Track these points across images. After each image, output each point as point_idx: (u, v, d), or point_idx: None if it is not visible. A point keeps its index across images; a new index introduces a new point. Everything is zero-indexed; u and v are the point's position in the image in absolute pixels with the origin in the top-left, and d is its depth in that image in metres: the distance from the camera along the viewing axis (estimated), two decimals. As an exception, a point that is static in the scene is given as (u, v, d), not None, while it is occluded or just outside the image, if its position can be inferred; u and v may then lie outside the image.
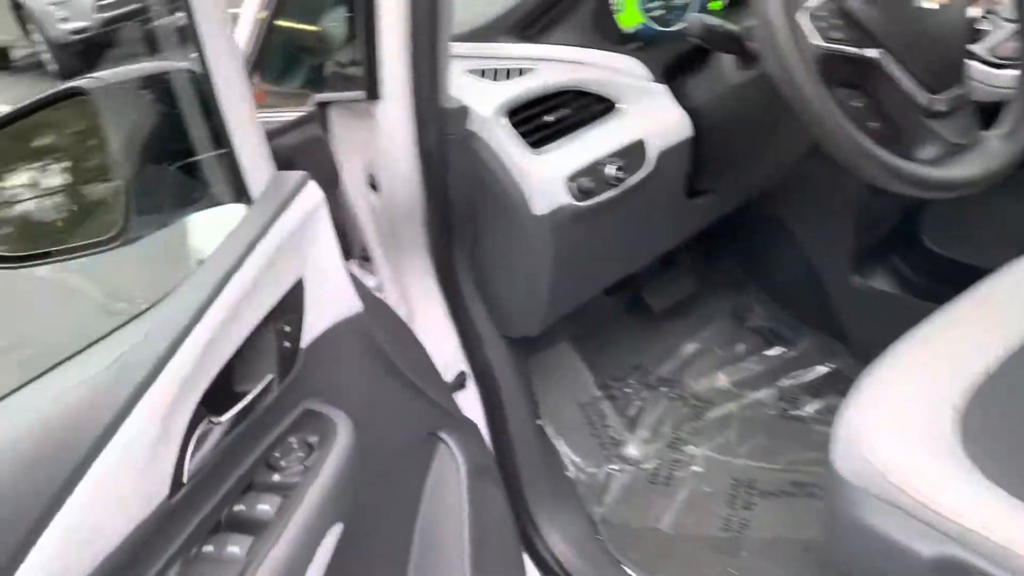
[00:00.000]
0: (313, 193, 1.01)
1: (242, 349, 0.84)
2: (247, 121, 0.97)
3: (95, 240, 1.02)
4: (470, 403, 1.61)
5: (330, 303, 1.03)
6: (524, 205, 1.36)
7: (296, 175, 1.01)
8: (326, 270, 1.02)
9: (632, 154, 1.45)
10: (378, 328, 1.14)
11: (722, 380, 2.08)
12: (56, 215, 1.12)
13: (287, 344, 0.94)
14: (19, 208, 1.18)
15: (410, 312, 1.54)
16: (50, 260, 1.07)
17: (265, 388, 0.91)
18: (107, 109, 1.00)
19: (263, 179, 1.00)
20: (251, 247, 0.89)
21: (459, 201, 1.38)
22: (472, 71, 1.43)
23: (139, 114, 1.05)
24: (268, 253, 0.88)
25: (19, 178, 1.20)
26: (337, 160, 1.46)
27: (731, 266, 2.24)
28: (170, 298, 0.88)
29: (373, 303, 1.20)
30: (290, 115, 1.51)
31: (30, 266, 1.06)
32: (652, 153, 1.47)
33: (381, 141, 1.32)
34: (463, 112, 1.31)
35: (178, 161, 1.04)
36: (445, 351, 1.57)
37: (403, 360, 1.20)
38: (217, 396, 0.82)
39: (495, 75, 1.43)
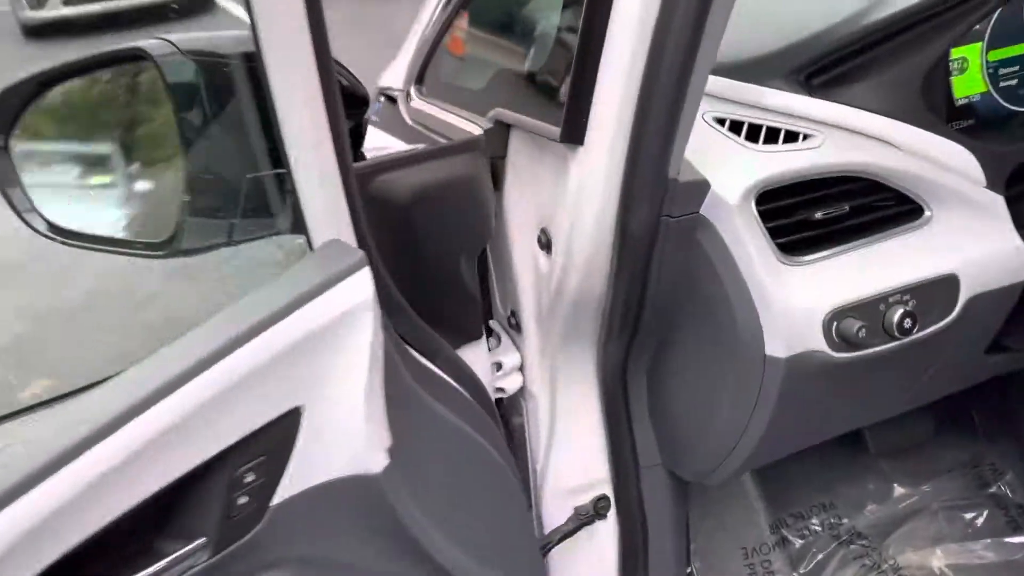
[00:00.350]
0: (361, 287, 0.71)
1: (167, 494, 0.62)
2: (312, 147, 0.71)
3: (141, 241, 0.90)
4: (605, 538, 1.22)
5: (337, 450, 0.72)
6: (754, 338, 0.93)
7: (353, 254, 0.73)
8: (344, 403, 0.71)
9: (934, 293, 0.98)
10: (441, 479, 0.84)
11: (939, 560, 1.57)
12: (101, 199, 0.99)
13: (244, 499, 0.66)
14: (69, 179, 1.01)
15: (552, 409, 1.16)
16: (92, 247, 0.93)
17: (183, 556, 0.64)
18: (172, 85, 0.79)
19: (323, 231, 0.74)
20: (233, 346, 0.63)
21: (657, 302, 0.97)
22: (720, 120, 1.00)
23: (212, 99, 0.80)
24: (257, 362, 0.64)
25: (70, 146, 1.02)
26: (504, 201, 1.08)
27: (984, 410, 1.69)
28: (84, 398, 0.61)
29: (462, 441, 0.89)
30: (462, 121, 1.14)
31: (73, 246, 0.94)
32: (963, 295, 0.99)
33: (568, 196, 0.93)
34: (699, 190, 0.89)
35: (250, 169, 0.81)
36: (586, 468, 1.19)
37: (457, 532, 0.86)
38: (88, 564, 0.59)
39: (755, 134, 0.99)
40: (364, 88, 1.01)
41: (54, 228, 0.95)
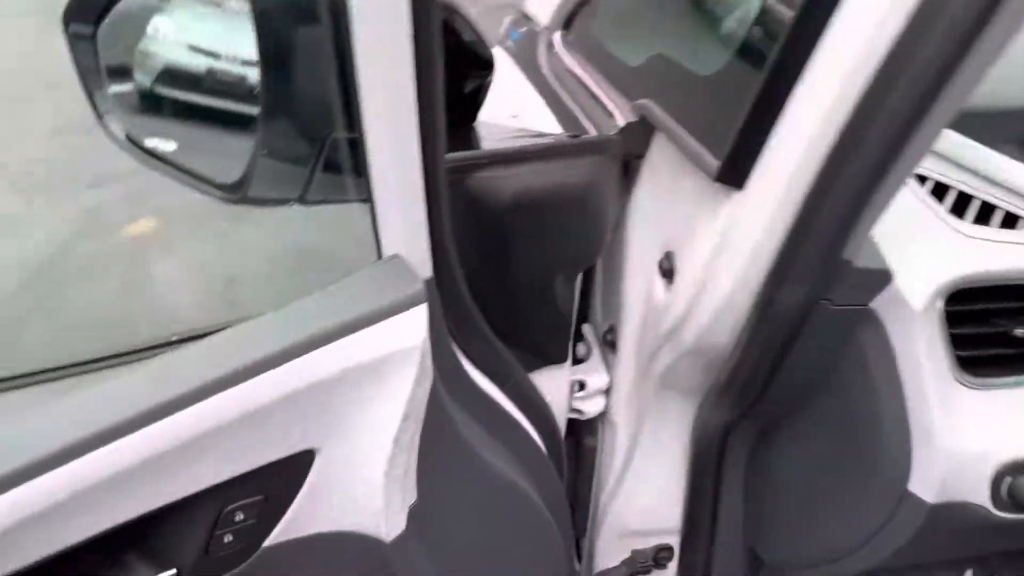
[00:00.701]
0: (412, 329, 0.60)
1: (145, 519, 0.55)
2: (393, 132, 0.59)
3: (211, 178, 0.80)
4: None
5: (347, 504, 0.62)
6: (899, 469, 0.75)
7: (412, 283, 0.61)
8: (366, 455, 0.61)
9: None
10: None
11: None
12: (182, 122, 0.89)
13: (229, 538, 0.59)
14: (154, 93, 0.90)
15: (632, 446, 1.02)
16: (163, 170, 0.84)
17: None
18: (259, 11, 0.67)
19: (394, 232, 0.63)
20: (248, 374, 0.54)
21: (789, 384, 0.79)
22: (922, 178, 0.78)
23: (300, 36, 0.68)
24: (275, 395, 0.56)
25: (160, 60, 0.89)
26: (631, 204, 0.91)
27: None
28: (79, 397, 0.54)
29: (506, 496, 0.78)
30: (603, 96, 0.96)
31: (145, 163, 0.86)
32: None
33: (708, 237, 0.75)
34: (876, 281, 0.70)
35: (332, 123, 0.68)
36: (655, 514, 1.06)
37: None
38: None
39: (962, 205, 0.77)
40: (489, 50, 0.83)
41: (131, 139, 0.87)
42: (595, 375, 1.02)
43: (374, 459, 0.61)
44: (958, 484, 0.74)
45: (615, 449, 1.04)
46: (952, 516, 0.76)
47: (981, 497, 0.75)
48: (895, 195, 0.65)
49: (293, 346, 0.55)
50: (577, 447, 1.10)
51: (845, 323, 0.72)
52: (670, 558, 1.07)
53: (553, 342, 0.90)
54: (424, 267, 0.66)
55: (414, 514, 0.67)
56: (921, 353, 0.72)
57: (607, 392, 1.04)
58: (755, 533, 1.00)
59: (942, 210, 0.77)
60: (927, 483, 0.74)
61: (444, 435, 0.69)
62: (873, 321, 0.72)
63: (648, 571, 1.07)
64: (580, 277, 1.08)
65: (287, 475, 0.59)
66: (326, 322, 0.57)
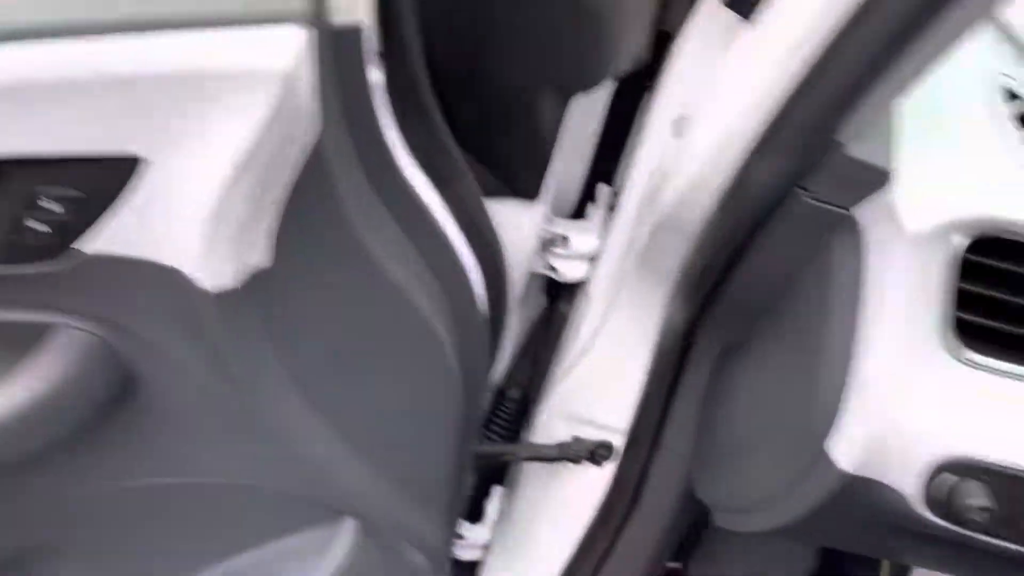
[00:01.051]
0: (277, 49, 0.50)
1: None
2: None
3: None
4: (587, 487, 1.01)
5: (168, 233, 0.56)
6: (821, 420, 0.61)
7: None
8: (193, 188, 0.54)
9: None
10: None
11: None
12: None
13: (43, 226, 0.54)
14: None
15: (601, 327, 0.90)
16: None
17: None
18: None
19: None
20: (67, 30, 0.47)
21: (749, 285, 0.66)
22: (1014, 95, 0.60)
23: None
24: (97, 68, 0.49)
25: None
26: (674, 62, 0.76)
27: None
28: None
29: (392, 307, 0.68)
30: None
31: None
32: None
33: (713, 79, 0.62)
34: (867, 179, 0.55)
35: None
36: (606, 408, 0.96)
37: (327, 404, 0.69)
38: None
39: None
40: None
41: None
42: (583, 235, 0.90)
43: (201, 194, 0.53)
44: (884, 460, 0.59)
45: (583, 325, 0.94)
46: (870, 497, 0.61)
47: (908, 487, 0.59)
48: (921, 76, 0.48)
49: (122, 20, 0.48)
50: (551, 310, 1.00)
51: (818, 224, 0.57)
52: (607, 457, 0.97)
53: (523, 170, 0.78)
54: (353, 3, 0.55)
55: (260, 277, 0.60)
56: (900, 291, 0.56)
57: (593, 261, 0.92)
58: (699, 470, 0.88)
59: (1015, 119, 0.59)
60: (847, 445, 0.59)
61: (324, 211, 0.61)
62: (851, 233, 0.56)
63: (578, 461, 0.98)
64: (603, 126, 0.95)
65: (107, 177, 0.53)
66: (170, 8, 0.49)
